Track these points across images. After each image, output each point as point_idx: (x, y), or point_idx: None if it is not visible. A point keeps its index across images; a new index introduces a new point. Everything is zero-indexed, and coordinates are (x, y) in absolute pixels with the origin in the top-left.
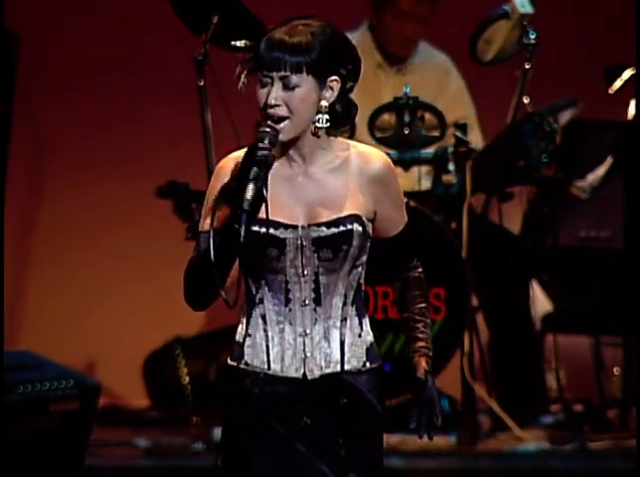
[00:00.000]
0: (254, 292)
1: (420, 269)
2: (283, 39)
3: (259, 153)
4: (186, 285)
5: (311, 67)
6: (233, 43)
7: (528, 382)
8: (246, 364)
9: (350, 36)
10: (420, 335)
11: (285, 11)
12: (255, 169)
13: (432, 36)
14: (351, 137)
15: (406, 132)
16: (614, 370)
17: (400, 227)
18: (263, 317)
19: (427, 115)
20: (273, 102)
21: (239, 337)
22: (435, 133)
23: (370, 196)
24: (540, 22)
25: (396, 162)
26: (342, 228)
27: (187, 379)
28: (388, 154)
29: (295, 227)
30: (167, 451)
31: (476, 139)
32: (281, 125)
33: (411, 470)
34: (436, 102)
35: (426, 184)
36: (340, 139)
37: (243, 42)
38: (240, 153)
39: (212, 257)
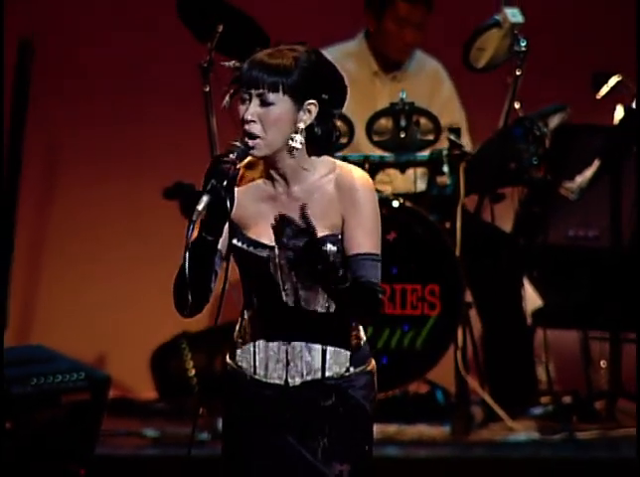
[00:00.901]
0: (246, 300)
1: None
2: (264, 60)
3: (220, 166)
4: (172, 293)
5: (288, 87)
6: (222, 63)
7: (519, 374)
8: (237, 365)
9: (347, 45)
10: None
11: (286, 19)
12: (213, 181)
13: (428, 43)
14: (350, 142)
15: (403, 136)
16: (601, 363)
17: (360, 250)
18: (253, 323)
19: (423, 120)
20: (249, 118)
21: (235, 336)
22: (430, 137)
23: (339, 208)
24: (538, 23)
25: (392, 165)
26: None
27: (193, 371)
28: (384, 157)
29: (272, 248)
30: (174, 441)
31: (466, 143)
32: (254, 142)
33: (407, 459)
34: (430, 108)
35: (422, 185)
36: (326, 159)
37: (232, 62)
38: None
39: (185, 270)
